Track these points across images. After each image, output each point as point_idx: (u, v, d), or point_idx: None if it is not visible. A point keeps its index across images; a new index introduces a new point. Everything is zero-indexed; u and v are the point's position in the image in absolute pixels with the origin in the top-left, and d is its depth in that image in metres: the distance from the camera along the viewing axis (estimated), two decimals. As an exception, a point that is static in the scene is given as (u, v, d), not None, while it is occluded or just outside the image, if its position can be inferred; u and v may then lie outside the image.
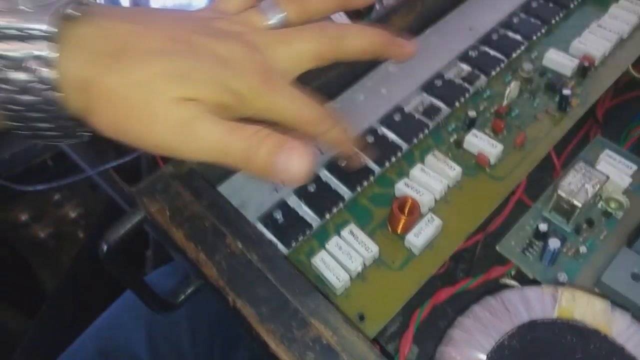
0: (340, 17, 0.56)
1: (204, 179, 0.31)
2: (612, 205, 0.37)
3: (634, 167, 0.38)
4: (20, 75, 0.22)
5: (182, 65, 0.25)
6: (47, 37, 0.22)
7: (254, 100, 0.26)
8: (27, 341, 0.60)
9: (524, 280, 0.35)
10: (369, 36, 0.30)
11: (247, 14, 0.30)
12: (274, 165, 0.24)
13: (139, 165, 0.65)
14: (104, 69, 0.24)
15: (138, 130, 0.24)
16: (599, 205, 0.37)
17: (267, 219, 0.34)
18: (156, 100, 0.24)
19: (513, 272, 0.36)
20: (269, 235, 0.33)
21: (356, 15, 0.53)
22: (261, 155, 0.24)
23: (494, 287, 0.34)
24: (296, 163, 0.24)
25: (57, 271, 0.64)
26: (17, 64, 0.22)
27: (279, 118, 0.28)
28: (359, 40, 0.30)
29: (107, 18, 0.25)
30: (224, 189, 0.34)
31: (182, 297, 0.34)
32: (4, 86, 0.22)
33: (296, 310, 0.26)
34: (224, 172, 0.35)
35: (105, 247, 0.27)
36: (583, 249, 0.35)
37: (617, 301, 0.33)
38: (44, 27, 0.22)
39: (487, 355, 0.28)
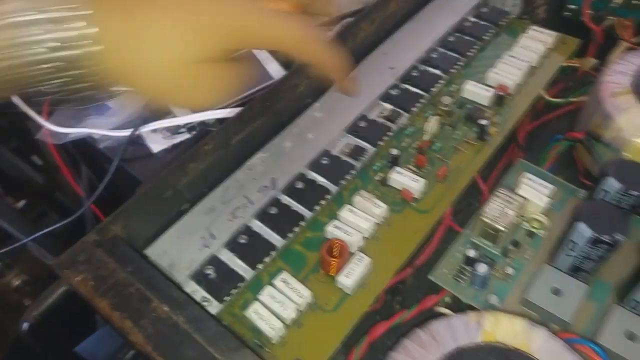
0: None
1: (129, 244, 0.32)
2: (535, 225, 0.39)
3: (551, 187, 0.39)
4: (63, 34, 0.24)
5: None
6: None
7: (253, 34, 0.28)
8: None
9: (458, 305, 0.36)
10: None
11: None
12: None
13: (83, 225, 0.65)
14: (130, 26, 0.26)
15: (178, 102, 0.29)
16: (523, 226, 0.39)
17: (199, 276, 0.34)
18: (191, 75, 0.28)
19: (447, 299, 0.37)
20: (202, 291, 0.34)
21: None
22: None
23: (430, 316, 0.35)
24: None
25: (4, 342, 0.63)
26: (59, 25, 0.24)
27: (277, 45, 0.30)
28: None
29: None
30: (152, 251, 0.35)
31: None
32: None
33: (223, 367, 0.26)
34: (152, 235, 0.35)
35: (26, 326, 0.27)
36: (510, 270, 0.37)
37: (542, 316, 0.34)
38: None
39: (418, 389, 0.28)
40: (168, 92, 0.29)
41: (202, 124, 0.53)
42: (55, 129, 0.54)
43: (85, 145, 0.56)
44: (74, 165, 0.64)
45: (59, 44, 0.24)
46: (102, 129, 0.54)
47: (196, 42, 0.27)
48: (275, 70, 0.56)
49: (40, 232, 0.48)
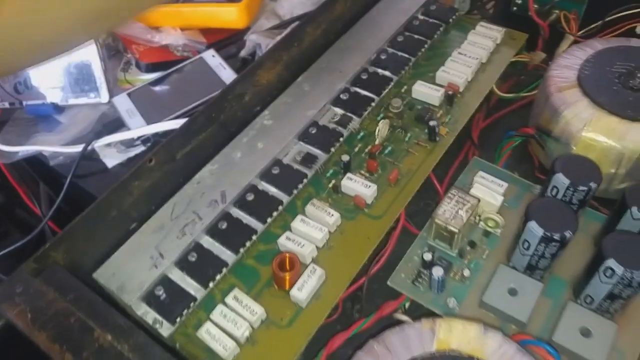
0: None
1: (69, 271, 0.31)
2: (490, 224, 0.39)
3: (505, 185, 0.39)
4: None
5: None
6: None
7: None
8: None
9: (418, 310, 0.36)
10: None
11: None
12: None
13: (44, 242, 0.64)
14: None
15: None
16: (480, 225, 0.39)
17: (150, 297, 0.33)
18: None
19: (407, 304, 0.37)
20: (153, 313, 0.33)
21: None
22: None
23: (387, 325, 0.34)
24: None
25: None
26: None
27: None
28: None
29: None
30: (100, 274, 0.34)
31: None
32: None
33: (170, 395, 0.26)
34: (99, 257, 0.34)
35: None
36: (467, 272, 0.36)
37: (499, 317, 0.34)
38: None
39: (372, 403, 0.28)
40: None
41: (157, 135, 0.52)
42: (2, 148, 0.53)
43: (38, 163, 0.55)
44: (31, 182, 0.63)
45: None
46: (53, 146, 0.53)
47: None
48: (228, 77, 0.55)
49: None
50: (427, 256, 0.36)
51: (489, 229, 0.38)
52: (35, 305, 0.28)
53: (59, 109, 0.55)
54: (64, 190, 0.51)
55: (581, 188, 0.35)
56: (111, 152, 0.53)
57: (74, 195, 0.52)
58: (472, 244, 0.38)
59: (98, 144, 0.52)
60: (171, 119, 0.53)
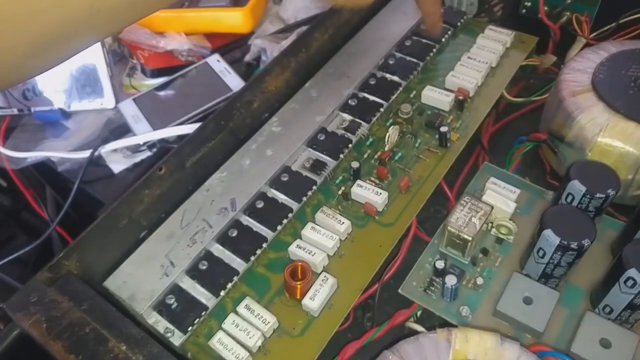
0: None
1: (83, 280, 0.30)
2: (503, 231, 0.38)
3: (517, 191, 0.39)
4: None
5: None
6: None
7: None
8: None
9: (430, 319, 0.36)
10: None
11: None
12: None
13: (52, 248, 0.64)
14: None
15: None
16: (492, 232, 0.38)
17: (161, 306, 0.33)
18: None
19: (419, 313, 0.36)
20: (165, 322, 0.32)
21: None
22: None
23: (400, 335, 0.34)
24: None
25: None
26: None
27: None
28: None
29: None
30: (111, 282, 0.33)
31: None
32: None
33: (184, 407, 0.25)
34: (110, 266, 0.34)
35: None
36: (480, 280, 0.36)
37: (514, 326, 0.33)
38: None
39: (388, 415, 0.28)
40: None
41: (163, 141, 0.52)
42: (11, 154, 0.53)
43: (46, 168, 0.55)
44: (39, 187, 0.63)
45: None
46: (61, 152, 0.53)
47: None
48: (235, 83, 0.55)
49: (5, 260, 0.46)
50: (440, 264, 0.36)
51: (501, 236, 0.38)
52: (50, 314, 0.28)
53: (66, 115, 0.55)
54: (72, 196, 0.51)
55: (598, 195, 0.34)
56: (117, 158, 0.53)
57: (81, 200, 0.52)
58: (485, 252, 0.37)
59: (104, 150, 0.52)
60: (177, 124, 0.52)
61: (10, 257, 0.52)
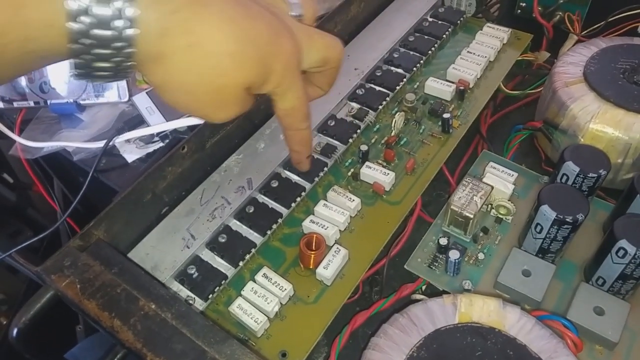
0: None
1: (113, 247, 0.32)
2: (502, 211, 0.41)
3: (515, 175, 0.42)
4: (103, 10, 0.22)
5: (246, 41, 0.25)
6: None
7: (277, 82, 0.28)
8: None
9: (434, 292, 0.38)
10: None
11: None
12: None
13: (58, 239, 0.65)
14: (180, 23, 0.24)
15: (202, 111, 0.27)
16: (492, 213, 0.41)
17: (182, 276, 0.35)
18: (225, 92, 0.26)
19: (424, 287, 0.39)
20: (186, 291, 0.34)
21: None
22: None
23: (408, 302, 0.36)
24: None
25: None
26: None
27: (280, 103, 0.29)
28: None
29: None
30: (134, 254, 0.35)
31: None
32: (85, 19, 0.22)
33: (213, 358, 0.27)
34: (134, 238, 0.36)
35: (15, 330, 0.27)
36: (481, 256, 0.38)
37: (514, 297, 0.36)
38: None
39: (400, 369, 0.30)
40: (189, 106, 0.27)
41: (175, 131, 0.54)
42: (28, 144, 0.54)
43: (57, 159, 0.57)
44: (46, 180, 0.64)
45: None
46: (76, 142, 0.54)
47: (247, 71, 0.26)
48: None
49: (18, 247, 0.48)
50: (443, 241, 0.38)
51: (500, 216, 0.40)
52: (83, 277, 0.30)
53: (81, 107, 0.57)
54: (87, 183, 0.52)
55: (591, 175, 0.37)
56: (131, 148, 0.55)
57: (90, 191, 0.53)
58: (485, 230, 0.40)
59: (118, 140, 0.54)
60: (189, 116, 0.54)
61: (24, 245, 0.54)
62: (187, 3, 0.24)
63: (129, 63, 0.24)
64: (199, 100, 0.27)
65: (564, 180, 0.38)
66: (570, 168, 0.38)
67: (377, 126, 0.45)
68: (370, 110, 0.45)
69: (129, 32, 0.23)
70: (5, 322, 0.66)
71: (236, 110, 0.28)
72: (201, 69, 0.25)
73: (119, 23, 0.22)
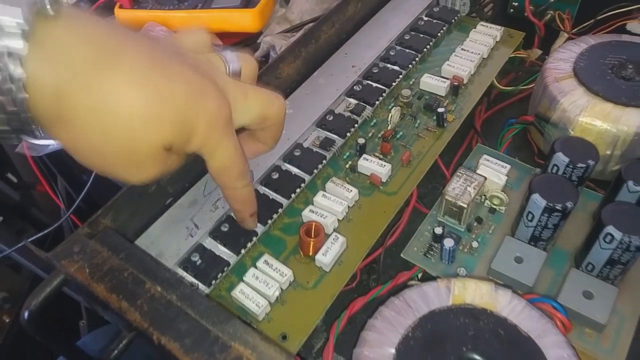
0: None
1: (120, 234, 0.34)
2: (495, 202, 0.42)
3: (508, 167, 0.43)
4: None
5: (160, 101, 0.25)
6: (20, 33, 0.21)
7: (201, 141, 0.27)
8: None
9: (430, 280, 0.39)
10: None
11: (210, 56, 0.31)
12: None
13: (62, 235, 0.66)
14: (81, 85, 0.23)
15: (116, 173, 0.26)
16: (485, 204, 0.42)
17: (186, 263, 0.36)
18: (138, 153, 0.25)
19: (419, 275, 0.40)
20: (190, 277, 0.36)
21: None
22: None
23: (404, 287, 0.37)
24: None
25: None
26: None
27: (210, 162, 0.29)
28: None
29: (85, 24, 0.24)
30: (141, 242, 0.37)
31: (115, 352, 0.35)
32: None
33: (217, 337, 0.28)
34: (139, 228, 0.37)
35: (26, 314, 0.28)
36: (475, 244, 0.40)
37: (507, 283, 0.37)
38: (18, 20, 0.21)
39: (396, 349, 0.31)
40: (102, 169, 0.27)
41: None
42: (34, 141, 0.55)
43: (62, 157, 0.58)
44: (50, 178, 0.66)
45: None
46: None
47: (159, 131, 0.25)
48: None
49: (28, 239, 0.49)
50: (438, 230, 0.40)
51: (494, 207, 0.42)
52: (91, 262, 0.31)
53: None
54: (90, 181, 0.54)
55: (580, 165, 0.38)
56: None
57: (98, 187, 0.55)
58: (479, 220, 0.41)
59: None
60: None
61: (31, 239, 0.55)
62: (90, 65, 0.23)
63: (29, 126, 0.23)
64: (110, 163, 0.26)
65: (554, 170, 0.40)
66: (560, 159, 0.39)
67: (374, 120, 0.46)
68: (367, 106, 0.46)
69: (20, 96, 0.22)
70: (8, 321, 0.67)
71: (156, 170, 0.27)
72: (108, 131, 0.24)
73: (9, 86, 0.21)
